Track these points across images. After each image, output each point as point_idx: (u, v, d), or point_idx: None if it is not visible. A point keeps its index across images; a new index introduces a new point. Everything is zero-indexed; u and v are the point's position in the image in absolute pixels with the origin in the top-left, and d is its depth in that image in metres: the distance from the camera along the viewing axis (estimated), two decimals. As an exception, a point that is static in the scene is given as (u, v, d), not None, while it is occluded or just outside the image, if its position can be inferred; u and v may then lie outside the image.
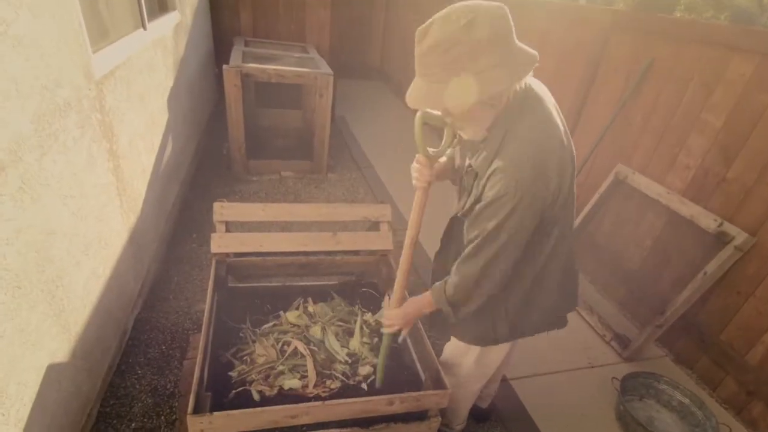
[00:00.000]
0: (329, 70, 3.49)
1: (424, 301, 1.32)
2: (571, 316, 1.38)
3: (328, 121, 3.53)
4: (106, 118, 1.79)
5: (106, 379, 1.79)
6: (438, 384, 1.48)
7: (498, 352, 1.44)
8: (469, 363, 1.47)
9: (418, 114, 1.15)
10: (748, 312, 2.03)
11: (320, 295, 1.96)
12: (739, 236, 1.99)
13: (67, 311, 1.47)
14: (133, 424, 1.69)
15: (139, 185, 2.20)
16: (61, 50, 1.45)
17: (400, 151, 4.44)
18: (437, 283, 1.27)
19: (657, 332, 2.21)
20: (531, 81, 1.07)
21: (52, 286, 1.37)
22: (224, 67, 3.15)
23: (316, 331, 1.74)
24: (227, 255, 1.84)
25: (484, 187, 1.05)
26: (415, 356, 1.74)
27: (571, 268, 1.32)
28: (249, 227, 2.51)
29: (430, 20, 0.93)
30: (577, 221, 2.76)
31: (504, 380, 2.10)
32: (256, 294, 1.95)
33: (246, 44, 4.19)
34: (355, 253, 2.05)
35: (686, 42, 2.28)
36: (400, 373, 1.71)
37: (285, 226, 2.75)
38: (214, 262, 1.78)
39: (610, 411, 2.01)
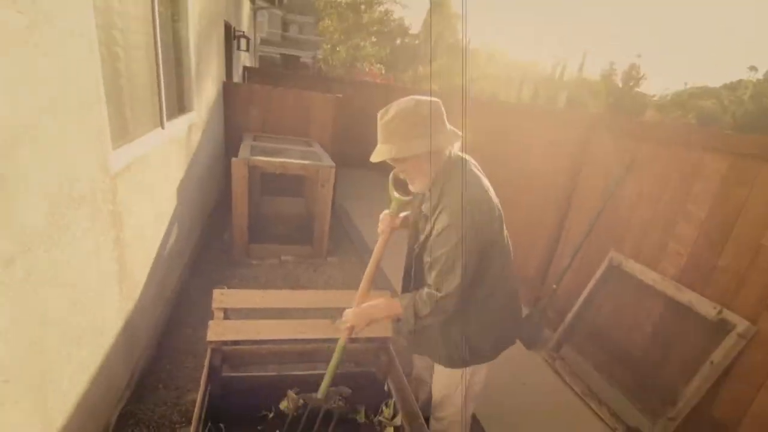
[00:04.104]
0: (331, 163, 3.71)
1: (385, 306, 1.55)
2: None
3: (328, 208, 3.67)
4: (117, 209, 1.86)
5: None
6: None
7: (478, 375, 1.69)
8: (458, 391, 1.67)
9: (391, 175, 1.60)
10: (764, 403, 1.94)
11: (316, 386, 1.88)
12: (741, 324, 1.97)
13: (51, 407, 1.41)
14: None
15: (141, 272, 2.23)
16: (83, 149, 1.55)
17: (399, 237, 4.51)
18: (408, 293, 1.52)
19: (671, 426, 2.09)
20: (463, 154, 1.46)
21: (40, 380, 1.34)
22: (233, 159, 3.36)
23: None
24: (223, 343, 1.81)
25: (434, 224, 1.40)
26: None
27: (514, 291, 1.63)
28: (246, 313, 2.49)
29: (387, 106, 1.37)
30: (576, 305, 2.73)
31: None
32: (251, 385, 1.87)
33: (254, 139, 4.49)
34: (353, 340, 2.01)
35: (662, 143, 2.46)
36: None
37: (283, 311, 2.73)
38: (209, 350, 1.75)
39: None
